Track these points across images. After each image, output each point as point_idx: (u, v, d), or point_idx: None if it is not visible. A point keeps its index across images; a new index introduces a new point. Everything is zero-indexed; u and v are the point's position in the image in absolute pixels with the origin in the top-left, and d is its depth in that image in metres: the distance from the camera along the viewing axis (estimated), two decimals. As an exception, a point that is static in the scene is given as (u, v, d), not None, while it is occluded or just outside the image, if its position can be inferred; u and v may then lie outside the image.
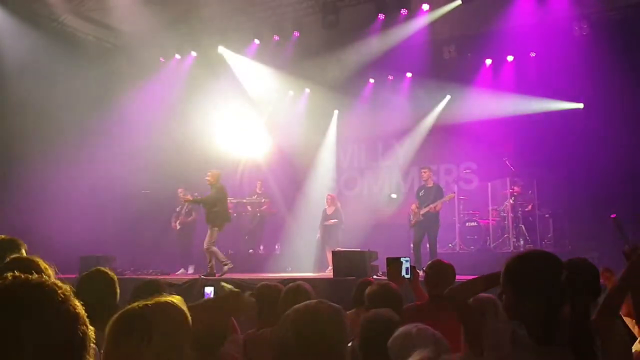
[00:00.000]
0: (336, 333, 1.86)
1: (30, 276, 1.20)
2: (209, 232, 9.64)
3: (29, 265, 2.45)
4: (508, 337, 2.21)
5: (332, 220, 11.12)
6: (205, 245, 9.61)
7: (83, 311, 1.21)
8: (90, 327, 1.22)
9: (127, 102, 11.95)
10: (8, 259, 2.62)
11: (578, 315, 2.12)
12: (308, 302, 1.94)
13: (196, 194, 10.47)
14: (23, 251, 3.00)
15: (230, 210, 12.02)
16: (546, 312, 2.11)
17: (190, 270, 11.04)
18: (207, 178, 9.83)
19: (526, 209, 10.51)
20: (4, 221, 8.99)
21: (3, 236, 3.12)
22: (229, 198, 11.94)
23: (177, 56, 12.87)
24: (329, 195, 11.66)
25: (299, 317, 1.86)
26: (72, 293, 1.21)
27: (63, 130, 11.03)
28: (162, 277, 9.61)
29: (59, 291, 1.19)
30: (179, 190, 11.15)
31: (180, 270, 11.03)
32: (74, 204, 10.81)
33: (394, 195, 12.17)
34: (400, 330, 2.26)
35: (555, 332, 2.12)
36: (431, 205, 9.51)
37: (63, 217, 10.41)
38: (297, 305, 1.91)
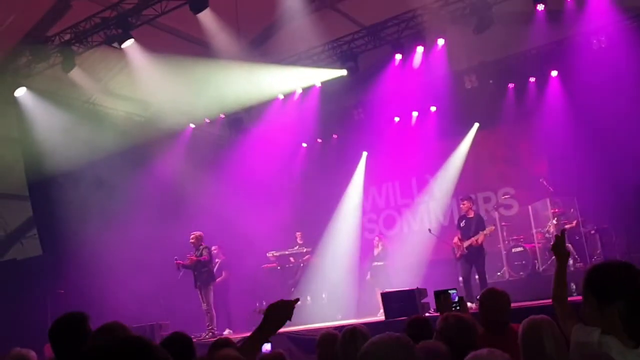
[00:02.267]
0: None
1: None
2: (209, 292, 10.02)
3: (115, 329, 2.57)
4: (596, 338, 2.20)
5: (379, 262, 11.13)
6: (208, 307, 9.91)
7: None
8: None
9: (161, 169, 12.30)
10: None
11: None
12: (380, 336, 2.02)
13: (189, 255, 10.42)
14: (89, 323, 3.12)
15: (274, 264, 12.20)
16: (628, 317, 2.11)
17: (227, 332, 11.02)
18: (192, 240, 10.15)
19: (571, 228, 10.30)
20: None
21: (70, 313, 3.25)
22: (271, 252, 12.16)
23: (207, 120, 13.21)
24: (376, 237, 11.76)
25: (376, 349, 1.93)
26: None
27: (104, 204, 11.36)
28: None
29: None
30: (175, 259, 10.66)
31: (227, 331, 11.01)
32: (123, 274, 11.02)
33: (431, 230, 12.11)
34: (471, 354, 2.26)
35: None
36: (473, 239, 9.41)
37: (113, 289, 10.61)
38: (370, 342, 1.98)
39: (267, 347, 4.98)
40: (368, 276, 11.38)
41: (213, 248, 11.49)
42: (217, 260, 11.71)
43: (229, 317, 11.18)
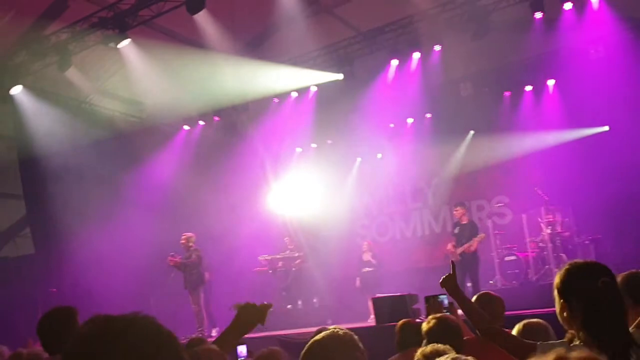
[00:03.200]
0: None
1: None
2: (199, 294, 10.03)
3: None
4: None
5: (369, 269, 11.06)
6: (198, 308, 9.97)
7: None
8: None
9: (153, 172, 12.29)
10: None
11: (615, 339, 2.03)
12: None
13: (179, 257, 10.39)
14: (78, 318, 3.12)
15: (265, 267, 12.15)
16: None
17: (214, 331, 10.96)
18: (183, 241, 10.08)
19: (564, 237, 10.26)
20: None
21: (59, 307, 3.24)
22: (263, 255, 12.12)
23: (201, 122, 13.19)
24: (365, 242, 11.67)
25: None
26: None
27: (100, 205, 11.34)
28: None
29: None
30: (170, 255, 10.57)
31: (215, 330, 10.93)
32: (116, 274, 10.96)
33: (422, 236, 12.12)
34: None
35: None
36: (466, 246, 9.39)
37: (105, 289, 10.56)
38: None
39: (242, 350, 4.87)
40: (357, 282, 11.33)
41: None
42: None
43: (212, 318, 11.05)
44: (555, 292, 2.15)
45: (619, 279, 2.88)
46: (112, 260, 11.01)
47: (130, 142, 12.61)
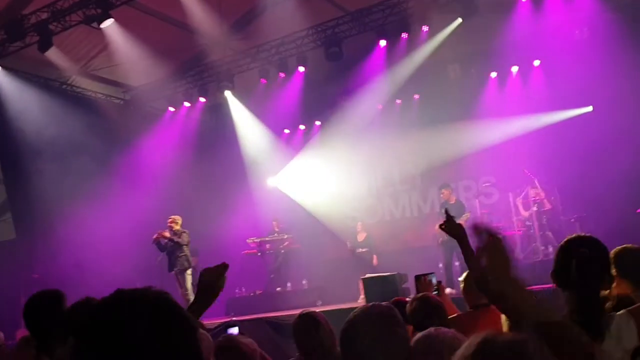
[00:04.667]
0: None
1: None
2: (187, 277, 9.84)
3: None
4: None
5: (364, 249, 11.13)
6: (185, 292, 9.75)
7: None
8: None
9: (138, 155, 12.17)
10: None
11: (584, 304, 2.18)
12: (364, 307, 2.11)
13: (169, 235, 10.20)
14: (66, 302, 3.04)
15: (254, 250, 12.14)
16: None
17: None
18: (172, 224, 9.92)
19: (550, 215, 10.37)
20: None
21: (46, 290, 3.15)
22: (251, 238, 12.10)
23: (186, 104, 13.05)
24: (359, 222, 11.74)
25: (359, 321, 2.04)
26: None
27: (83, 187, 11.20)
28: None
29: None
30: (157, 234, 10.36)
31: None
32: (101, 257, 10.88)
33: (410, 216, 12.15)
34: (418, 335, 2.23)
35: None
36: (453, 225, 9.44)
37: (90, 272, 10.48)
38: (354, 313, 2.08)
39: (234, 331, 4.89)
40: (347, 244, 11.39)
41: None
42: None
43: None
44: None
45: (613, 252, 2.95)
46: (96, 244, 10.91)
47: (114, 124, 12.44)
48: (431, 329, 2.09)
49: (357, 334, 2.01)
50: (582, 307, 2.16)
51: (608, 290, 2.39)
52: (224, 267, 2.25)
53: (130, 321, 1.07)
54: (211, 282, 2.23)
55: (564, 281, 2.24)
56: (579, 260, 2.19)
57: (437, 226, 9.63)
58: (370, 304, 2.16)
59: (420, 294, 3.78)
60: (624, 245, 3.11)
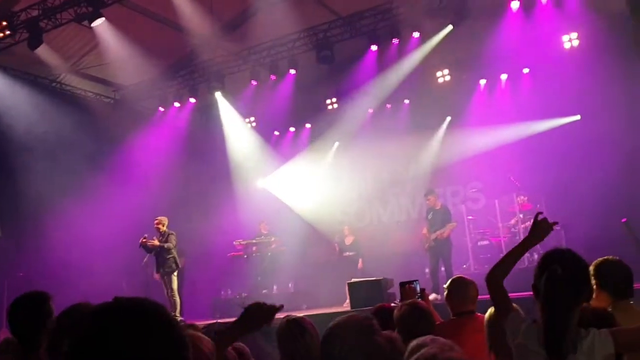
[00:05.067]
0: None
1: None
2: (173, 278, 9.74)
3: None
4: (524, 327, 2.35)
5: (351, 252, 11.15)
6: (172, 293, 9.69)
7: None
8: None
9: (128, 155, 12.14)
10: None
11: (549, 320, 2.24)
12: (345, 317, 2.11)
13: (154, 238, 10.08)
14: (52, 304, 2.98)
15: (240, 252, 12.11)
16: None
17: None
18: (158, 225, 9.91)
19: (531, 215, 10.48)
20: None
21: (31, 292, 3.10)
22: (238, 240, 12.07)
23: (176, 104, 13.02)
24: (346, 226, 11.75)
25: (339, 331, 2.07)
26: None
27: (72, 187, 11.15)
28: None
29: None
30: (143, 237, 10.09)
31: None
32: (88, 257, 10.82)
33: (398, 222, 12.13)
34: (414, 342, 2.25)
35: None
36: (439, 232, 9.48)
37: (76, 272, 10.44)
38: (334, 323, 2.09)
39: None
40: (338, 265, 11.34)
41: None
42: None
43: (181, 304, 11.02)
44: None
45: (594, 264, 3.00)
46: (83, 243, 10.87)
47: (104, 123, 12.38)
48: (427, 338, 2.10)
49: (336, 342, 2.04)
50: (548, 321, 2.22)
51: (587, 303, 2.44)
52: (276, 309, 2.29)
53: (126, 335, 1.10)
54: (259, 317, 2.27)
55: (537, 295, 2.32)
56: (549, 277, 2.24)
57: (424, 230, 9.76)
58: (349, 314, 2.20)
59: (410, 300, 3.80)
60: (605, 257, 3.16)
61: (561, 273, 2.23)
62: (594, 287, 2.89)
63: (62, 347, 2.44)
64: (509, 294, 2.53)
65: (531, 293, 2.41)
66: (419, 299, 4.66)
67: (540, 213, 2.58)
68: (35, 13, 9.98)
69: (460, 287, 3.98)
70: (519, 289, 5.99)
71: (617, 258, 3.15)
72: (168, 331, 1.15)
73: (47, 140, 11.02)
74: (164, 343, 1.13)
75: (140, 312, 1.14)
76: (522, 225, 10.35)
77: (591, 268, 2.97)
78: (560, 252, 2.38)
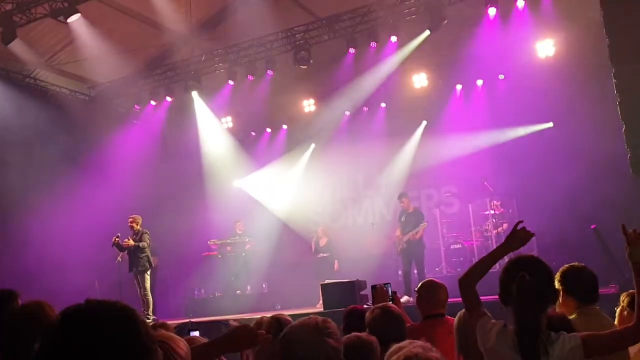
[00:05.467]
0: None
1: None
2: (146, 277, 9.76)
3: (36, 311, 2.47)
4: (495, 332, 2.39)
5: (325, 254, 11.16)
6: (145, 292, 9.69)
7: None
8: None
9: (103, 152, 12.02)
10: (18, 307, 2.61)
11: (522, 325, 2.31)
12: (303, 319, 2.17)
13: (126, 238, 9.95)
14: (18, 301, 2.96)
15: (214, 252, 12.05)
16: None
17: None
18: (132, 223, 9.87)
19: (508, 227, 10.62)
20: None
21: None
22: (212, 239, 12.01)
23: (152, 102, 12.91)
24: (320, 228, 11.73)
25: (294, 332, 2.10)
26: None
27: (43, 184, 11.00)
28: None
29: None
30: (116, 237, 9.97)
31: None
32: (59, 256, 10.66)
33: (374, 225, 12.17)
34: (394, 346, 2.28)
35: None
36: (411, 233, 9.57)
37: (48, 272, 10.29)
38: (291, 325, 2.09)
39: (195, 334, 4.86)
40: (335, 265, 11.20)
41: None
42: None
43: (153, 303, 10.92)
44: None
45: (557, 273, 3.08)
46: (56, 239, 10.72)
47: (78, 119, 12.23)
48: (405, 342, 2.13)
49: (294, 342, 2.11)
50: (522, 326, 2.30)
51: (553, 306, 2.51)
52: (264, 337, 2.32)
53: (95, 339, 1.11)
54: (241, 340, 2.28)
55: (506, 301, 2.39)
56: (519, 284, 2.31)
57: (397, 232, 9.82)
58: (309, 316, 2.24)
59: (382, 304, 3.84)
60: (570, 264, 3.23)
61: (529, 280, 2.29)
62: (561, 292, 2.96)
63: (14, 346, 2.43)
64: (481, 297, 2.59)
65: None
66: (391, 302, 4.72)
67: (521, 222, 2.63)
68: (9, 7, 9.81)
69: (431, 290, 4.03)
70: (493, 292, 6.13)
71: (582, 264, 3.23)
72: (136, 337, 1.16)
73: (21, 134, 10.85)
74: (132, 349, 1.14)
75: (109, 318, 1.15)
76: (494, 230, 10.49)
77: (557, 275, 3.05)
78: (526, 259, 2.46)
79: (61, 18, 9.91)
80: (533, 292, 2.30)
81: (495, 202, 10.83)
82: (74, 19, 9.79)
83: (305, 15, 11.57)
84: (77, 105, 12.69)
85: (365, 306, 7.72)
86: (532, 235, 2.61)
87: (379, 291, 4.76)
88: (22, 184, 10.82)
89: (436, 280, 4.23)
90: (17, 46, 10.42)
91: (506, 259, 3.71)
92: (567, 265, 3.22)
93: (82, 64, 11.61)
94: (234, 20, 11.16)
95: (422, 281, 4.48)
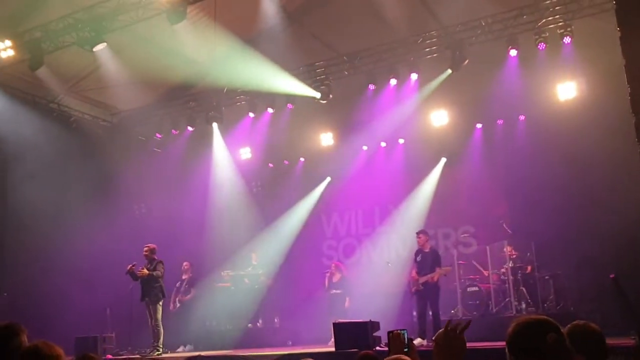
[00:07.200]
0: None
1: None
2: (158, 308, 9.67)
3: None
4: None
5: (338, 290, 11.00)
6: (155, 323, 9.60)
7: None
8: None
9: (125, 179, 12.11)
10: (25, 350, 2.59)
11: None
12: None
13: (141, 267, 9.87)
14: (25, 337, 2.89)
15: (227, 284, 11.98)
16: None
17: (189, 347, 10.83)
18: (145, 252, 9.88)
19: (526, 271, 10.42)
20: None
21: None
22: (226, 271, 11.96)
23: (174, 132, 12.99)
24: (334, 263, 11.62)
25: None
26: None
27: (62, 209, 11.09)
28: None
29: None
30: (132, 265, 9.85)
31: (180, 348, 10.79)
32: (73, 281, 10.67)
33: (389, 264, 11.98)
34: None
35: None
36: (429, 276, 9.34)
37: (60, 295, 10.30)
38: None
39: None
40: (346, 302, 10.97)
41: (185, 264, 11.37)
42: (185, 277, 11.52)
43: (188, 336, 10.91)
44: (506, 349, 2.19)
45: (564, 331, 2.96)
46: (69, 267, 10.76)
47: (99, 146, 12.38)
48: None
49: None
50: None
51: None
52: None
53: None
54: None
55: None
56: (555, 343, 2.14)
57: (413, 272, 9.63)
58: None
59: (395, 356, 3.74)
60: (573, 323, 3.14)
61: (560, 337, 2.15)
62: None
63: None
64: (495, 342, 2.48)
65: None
66: (406, 350, 4.59)
67: (450, 321, 2.42)
68: (38, 35, 10.03)
69: (449, 343, 3.91)
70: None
71: (584, 322, 3.15)
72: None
73: (43, 158, 10.98)
74: None
75: None
76: (512, 277, 10.27)
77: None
78: (539, 320, 2.30)
79: (87, 47, 10.08)
80: (568, 353, 2.18)
81: (509, 247, 10.65)
82: (100, 48, 9.97)
83: (327, 51, 11.67)
84: (99, 131, 12.87)
85: (377, 348, 7.61)
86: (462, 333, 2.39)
87: (395, 339, 4.63)
88: (41, 208, 10.86)
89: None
90: (43, 72, 10.63)
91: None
92: (569, 325, 3.12)
93: (105, 90, 11.80)
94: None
95: (439, 331, 4.35)
